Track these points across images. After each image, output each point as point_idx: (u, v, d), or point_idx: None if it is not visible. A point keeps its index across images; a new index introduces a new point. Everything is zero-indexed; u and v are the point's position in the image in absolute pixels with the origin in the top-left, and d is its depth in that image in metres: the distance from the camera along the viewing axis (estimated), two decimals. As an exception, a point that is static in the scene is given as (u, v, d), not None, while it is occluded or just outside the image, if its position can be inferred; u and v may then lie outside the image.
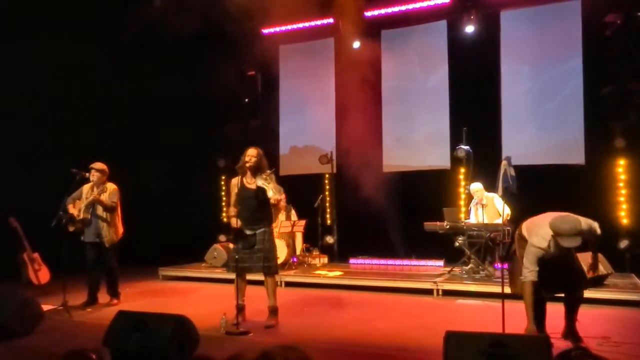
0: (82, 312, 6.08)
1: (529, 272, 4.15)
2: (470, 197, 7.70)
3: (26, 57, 8.28)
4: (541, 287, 4.20)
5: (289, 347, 1.21)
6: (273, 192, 5.10)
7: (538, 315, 4.30)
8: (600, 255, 4.42)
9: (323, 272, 7.99)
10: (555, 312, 4.51)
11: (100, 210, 6.31)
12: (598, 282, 4.40)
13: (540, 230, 4.18)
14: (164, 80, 9.65)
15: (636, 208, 7.88)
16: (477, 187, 7.45)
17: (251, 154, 5.31)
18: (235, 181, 5.45)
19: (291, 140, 10.43)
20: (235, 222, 5.31)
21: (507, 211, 7.06)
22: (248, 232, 5.29)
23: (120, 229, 6.52)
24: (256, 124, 10.63)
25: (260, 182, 5.19)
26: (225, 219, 10.09)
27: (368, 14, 9.38)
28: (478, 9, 8.73)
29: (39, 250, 7.29)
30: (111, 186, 6.42)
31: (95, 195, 6.23)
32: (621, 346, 4.32)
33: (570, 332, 4.39)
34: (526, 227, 4.45)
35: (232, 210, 5.37)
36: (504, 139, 8.62)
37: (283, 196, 7.86)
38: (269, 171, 5.24)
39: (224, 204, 10.79)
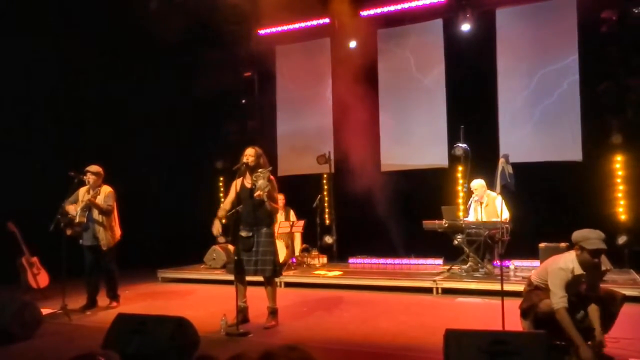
0: (82, 315, 6.06)
1: (559, 298, 3.87)
2: (468, 195, 7.70)
3: (24, 58, 8.27)
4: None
5: (291, 347, 1.21)
6: (258, 188, 5.05)
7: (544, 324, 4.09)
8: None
9: (322, 272, 7.99)
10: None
11: (96, 214, 6.28)
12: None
13: (560, 259, 4.04)
14: (161, 82, 9.64)
15: (634, 204, 7.90)
16: (478, 183, 7.42)
17: (248, 154, 5.28)
18: (235, 183, 5.43)
19: (289, 140, 10.42)
20: (217, 226, 5.37)
21: (506, 215, 7.06)
22: (246, 234, 5.25)
23: (118, 232, 6.49)
24: (253, 125, 10.64)
25: (253, 180, 5.17)
26: (223, 221, 10.06)
27: (364, 13, 9.40)
28: (474, 7, 8.75)
29: (38, 254, 7.27)
30: (106, 189, 6.40)
31: (90, 199, 6.20)
32: (620, 342, 4.32)
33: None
34: (538, 271, 4.28)
35: (220, 211, 5.39)
36: (501, 137, 8.64)
37: (281, 196, 7.89)
38: (262, 169, 5.19)
39: (222, 205, 10.77)
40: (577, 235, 3.95)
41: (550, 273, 4.02)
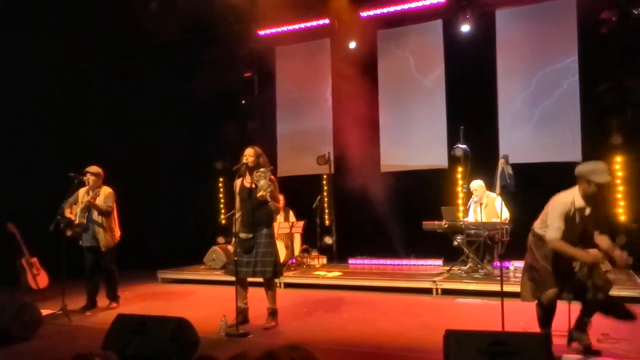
0: (82, 316, 6.06)
1: (555, 230, 3.81)
2: (468, 196, 7.70)
3: (24, 58, 8.28)
4: (562, 290, 3.99)
5: (293, 347, 1.21)
6: (260, 188, 5.05)
7: (548, 314, 4.14)
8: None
9: (322, 273, 7.99)
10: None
11: (95, 215, 6.28)
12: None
13: (560, 195, 3.97)
14: (160, 83, 9.64)
15: (633, 205, 7.90)
16: (478, 184, 7.44)
17: (248, 154, 5.28)
18: (235, 183, 5.43)
19: (289, 141, 10.42)
20: (237, 227, 5.30)
21: (506, 215, 7.07)
22: (246, 235, 5.24)
23: (117, 233, 6.49)
24: (253, 126, 10.64)
25: (254, 180, 5.17)
26: (223, 221, 10.09)
27: (364, 14, 9.40)
28: (473, 8, 8.75)
29: (38, 255, 7.27)
30: (106, 190, 6.40)
31: (89, 200, 6.20)
32: (620, 342, 4.33)
33: (579, 330, 4.21)
34: (541, 216, 4.17)
35: (237, 214, 5.35)
36: (501, 138, 8.65)
37: (281, 197, 7.89)
38: (263, 169, 5.19)
39: (222, 205, 10.79)
40: (583, 168, 3.87)
41: (550, 209, 3.95)
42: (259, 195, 5.05)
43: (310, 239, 9.09)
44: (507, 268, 7.24)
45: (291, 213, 8.80)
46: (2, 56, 8.01)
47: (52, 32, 8.41)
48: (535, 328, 4.35)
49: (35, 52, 8.31)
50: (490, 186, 7.28)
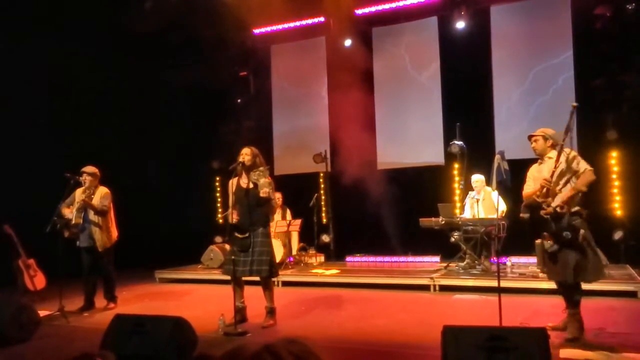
0: (79, 317, 6.05)
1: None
2: (465, 192, 7.72)
3: (23, 58, 8.25)
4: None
5: (291, 341, 1.21)
6: (262, 186, 5.06)
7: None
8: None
9: (320, 271, 8.00)
10: (551, 304, 4.51)
11: (92, 215, 6.26)
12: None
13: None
14: (156, 83, 9.61)
15: (629, 199, 7.92)
16: (478, 177, 7.51)
17: (245, 153, 5.28)
18: (231, 182, 5.43)
19: (285, 139, 10.42)
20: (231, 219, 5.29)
21: (503, 207, 7.09)
22: (242, 234, 5.24)
23: (114, 233, 6.47)
24: (249, 125, 10.62)
25: (253, 179, 5.17)
26: (220, 220, 10.08)
27: (359, 11, 9.40)
28: (468, 5, 8.76)
29: (35, 257, 7.25)
30: (103, 190, 6.38)
31: (84, 199, 6.18)
32: (616, 336, 4.35)
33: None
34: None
35: (234, 213, 5.35)
36: (497, 134, 8.66)
37: (278, 195, 7.89)
38: (262, 168, 5.20)
39: (219, 205, 10.78)
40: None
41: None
42: (261, 193, 5.06)
43: (308, 237, 9.09)
44: (504, 264, 7.27)
45: (288, 212, 8.81)
46: (1, 57, 7.97)
47: (52, 32, 8.38)
48: (533, 323, 4.37)
49: (33, 53, 8.28)
50: (487, 182, 7.31)
